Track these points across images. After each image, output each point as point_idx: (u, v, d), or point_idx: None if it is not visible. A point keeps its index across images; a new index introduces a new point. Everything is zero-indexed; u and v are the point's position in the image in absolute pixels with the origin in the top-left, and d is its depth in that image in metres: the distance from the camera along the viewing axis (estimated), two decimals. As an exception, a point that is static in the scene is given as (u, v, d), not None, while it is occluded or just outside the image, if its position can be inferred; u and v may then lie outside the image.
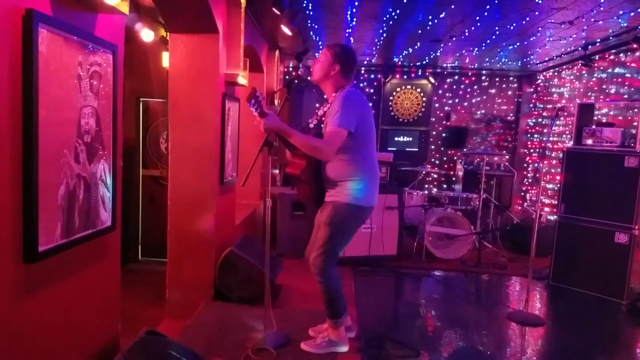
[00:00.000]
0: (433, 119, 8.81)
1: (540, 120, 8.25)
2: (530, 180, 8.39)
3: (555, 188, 6.77)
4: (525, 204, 8.39)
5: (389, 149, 8.50)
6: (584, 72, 6.73)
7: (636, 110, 5.42)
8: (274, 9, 4.11)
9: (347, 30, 5.92)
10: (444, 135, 8.83)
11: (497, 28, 5.49)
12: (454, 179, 8.67)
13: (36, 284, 1.85)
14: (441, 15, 5.07)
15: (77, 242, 2.07)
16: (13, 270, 1.71)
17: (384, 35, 6.06)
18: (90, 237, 2.18)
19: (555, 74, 7.75)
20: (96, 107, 2.16)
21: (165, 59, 4.68)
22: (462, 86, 8.76)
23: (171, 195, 3.93)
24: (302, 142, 3.01)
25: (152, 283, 4.62)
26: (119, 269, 2.58)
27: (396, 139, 8.74)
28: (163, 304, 3.98)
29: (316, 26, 5.79)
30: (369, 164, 3.18)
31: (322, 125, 3.23)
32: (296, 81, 4.00)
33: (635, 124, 4.92)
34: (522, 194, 8.56)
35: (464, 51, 6.92)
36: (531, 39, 5.90)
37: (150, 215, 5.54)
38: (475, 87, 8.76)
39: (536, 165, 8.02)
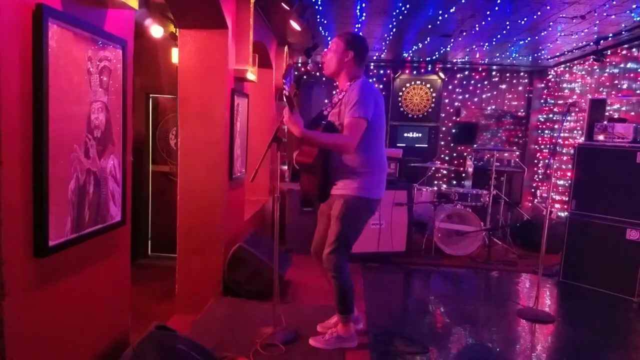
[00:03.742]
0: (443, 115, 8.76)
1: (551, 116, 8.18)
2: (540, 177, 8.32)
3: (566, 184, 6.70)
4: (536, 200, 8.33)
5: (398, 144, 8.46)
6: (595, 67, 6.66)
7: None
8: (283, 4, 4.11)
9: (357, 25, 5.90)
10: (453, 131, 8.78)
11: (508, 23, 5.44)
12: (463, 175, 8.63)
13: (47, 278, 1.86)
14: (451, 10, 5.03)
15: (87, 236, 2.08)
16: (24, 265, 1.73)
17: (394, 30, 6.03)
18: (100, 231, 2.19)
19: (567, 69, 7.67)
20: (106, 103, 2.16)
21: (175, 55, 4.69)
22: (472, 81, 8.70)
23: (181, 191, 3.95)
24: (326, 142, 3.02)
25: (161, 278, 4.65)
26: (129, 264, 2.59)
27: (405, 134, 8.71)
28: (173, 299, 4.01)
29: (325, 21, 5.77)
30: (378, 156, 3.17)
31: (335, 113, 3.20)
32: (305, 77, 3.99)
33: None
34: (533, 190, 8.50)
35: (474, 46, 6.86)
36: (542, 33, 5.84)
37: (160, 211, 5.57)
38: (486, 82, 8.69)
39: (547, 161, 7.95)
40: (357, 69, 3.18)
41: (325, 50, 3.31)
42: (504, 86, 8.71)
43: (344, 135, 2.98)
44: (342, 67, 3.15)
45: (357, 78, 3.14)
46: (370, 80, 8.52)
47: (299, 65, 8.61)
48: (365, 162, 3.08)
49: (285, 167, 7.29)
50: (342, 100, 3.11)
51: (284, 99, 2.95)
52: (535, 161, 8.55)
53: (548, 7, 4.74)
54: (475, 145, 8.46)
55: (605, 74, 6.45)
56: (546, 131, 8.31)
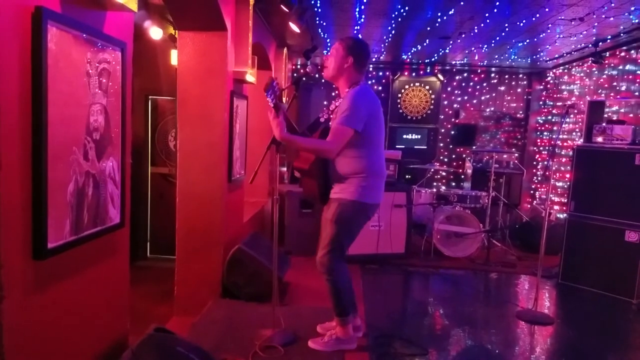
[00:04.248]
0: (442, 117, 8.77)
1: (550, 117, 8.19)
2: (539, 178, 8.33)
3: (565, 186, 6.71)
4: (535, 202, 8.34)
5: (397, 146, 8.46)
6: (594, 69, 6.67)
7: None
8: (282, 6, 4.11)
9: (356, 27, 5.90)
10: (452, 132, 8.79)
11: (506, 25, 5.45)
12: (462, 176, 8.63)
13: (45, 280, 1.86)
14: (450, 12, 5.04)
15: (86, 239, 2.07)
16: (22, 267, 1.72)
17: (393, 32, 6.03)
18: (99, 234, 2.19)
19: (565, 71, 7.68)
20: (105, 105, 2.16)
21: (174, 57, 4.70)
22: (471, 83, 8.71)
23: (180, 193, 3.95)
24: (307, 146, 3.07)
25: (160, 280, 4.64)
26: (127, 266, 2.59)
27: (405, 136, 8.71)
28: (172, 301, 4.00)
29: (324, 23, 5.78)
30: (376, 161, 3.17)
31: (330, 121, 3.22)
32: (304, 79, 3.99)
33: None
34: (532, 192, 8.50)
35: (473, 48, 6.87)
36: (541, 35, 5.85)
37: (159, 213, 5.56)
38: (485, 84, 8.70)
39: (546, 163, 7.96)
40: (357, 75, 3.17)
41: (326, 53, 3.32)
42: (502, 88, 8.72)
43: (326, 141, 2.99)
44: (341, 72, 3.16)
45: (356, 84, 3.14)
46: (370, 82, 8.54)
47: (298, 67, 8.62)
48: (362, 167, 3.09)
49: (285, 169, 7.29)
50: (337, 107, 3.12)
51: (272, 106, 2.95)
52: (534, 163, 8.56)
53: (547, 9, 4.74)
54: (474, 147, 8.47)
55: (604, 76, 6.46)
56: (545, 133, 8.32)
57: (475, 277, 5.46)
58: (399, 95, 8.66)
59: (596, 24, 5.16)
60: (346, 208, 3.08)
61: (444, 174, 8.79)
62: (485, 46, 6.66)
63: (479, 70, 8.60)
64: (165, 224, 5.01)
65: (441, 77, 8.60)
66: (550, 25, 5.36)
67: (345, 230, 3.12)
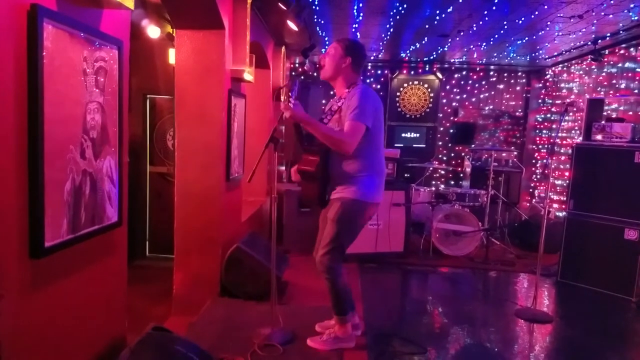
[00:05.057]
0: (440, 115, 8.75)
1: (549, 115, 8.18)
2: (538, 177, 8.33)
3: (564, 184, 6.71)
4: (534, 200, 8.33)
5: (396, 145, 8.45)
6: (593, 66, 6.66)
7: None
8: (280, 4, 4.10)
9: (354, 26, 5.89)
10: (451, 131, 8.78)
11: (505, 22, 5.44)
12: (461, 175, 8.63)
13: (42, 279, 1.85)
14: (449, 10, 5.03)
15: (84, 237, 2.07)
16: (19, 266, 1.72)
17: (391, 30, 6.02)
18: (97, 232, 2.18)
19: (565, 69, 7.68)
20: (102, 103, 2.15)
21: (172, 56, 4.68)
22: (470, 82, 8.70)
23: (178, 192, 3.94)
24: (325, 134, 3.02)
25: (159, 279, 4.63)
26: (125, 265, 2.59)
27: (403, 135, 8.70)
28: (170, 300, 3.99)
29: (322, 21, 5.77)
30: (377, 160, 3.18)
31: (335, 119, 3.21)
32: (302, 77, 3.99)
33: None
34: (531, 190, 8.50)
35: (471, 46, 6.86)
36: (540, 33, 5.84)
37: (157, 212, 5.56)
38: (483, 82, 8.69)
39: (545, 161, 7.96)
40: (354, 75, 3.19)
41: (323, 53, 3.32)
42: (501, 86, 8.71)
43: (345, 133, 3.00)
44: (339, 72, 3.17)
45: (355, 84, 3.15)
46: (368, 81, 8.54)
47: (296, 65, 8.61)
48: (363, 167, 3.09)
49: (283, 168, 7.28)
50: (342, 106, 3.11)
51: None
52: (533, 161, 8.55)
53: (545, 7, 4.74)
54: (473, 146, 8.46)
55: (603, 74, 6.46)
56: (544, 131, 8.31)
57: (474, 275, 5.46)
58: (398, 93, 8.65)
59: (595, 21, 5.16)
60: (348, 207, 3.08)
61: (442, 172, 8.78)
62: (484, 44, 6.65)
63: (477, 69, 8.58)
64: (164, 223, 5.01)
65: (440, 76, 8.59)
66: (549, 23, 5.35)
67: (346, 229, 3.12)
